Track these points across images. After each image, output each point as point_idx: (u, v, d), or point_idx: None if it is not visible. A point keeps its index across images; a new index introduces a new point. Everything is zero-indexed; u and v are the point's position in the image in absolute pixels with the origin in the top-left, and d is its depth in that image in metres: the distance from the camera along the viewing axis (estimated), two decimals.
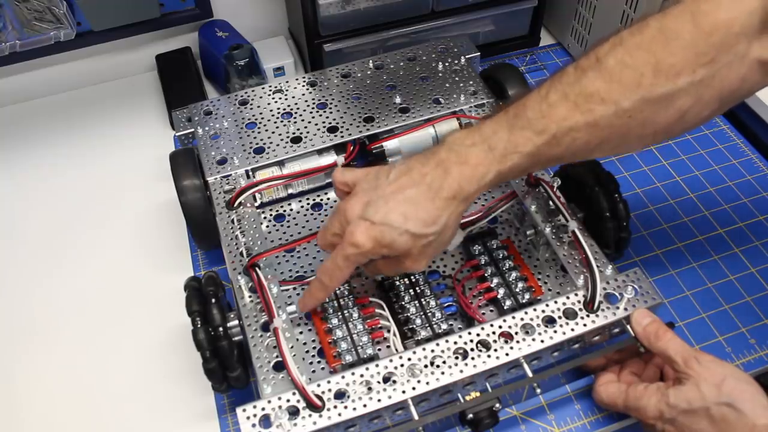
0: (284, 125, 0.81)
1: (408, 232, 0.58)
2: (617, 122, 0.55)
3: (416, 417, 0.57)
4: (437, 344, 0.60)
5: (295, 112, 0.82)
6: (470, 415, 0.58)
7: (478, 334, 0.61)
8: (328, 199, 0.81)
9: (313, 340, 0.67)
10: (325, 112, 0.82)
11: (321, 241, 0.64)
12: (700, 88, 0.53)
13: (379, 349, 0.66)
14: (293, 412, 0.56)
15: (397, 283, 0.69)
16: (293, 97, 0.84)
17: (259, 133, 0.80)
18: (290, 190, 0.79)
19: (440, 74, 0.86)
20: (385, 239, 0.58)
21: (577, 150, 0.57)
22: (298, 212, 0.79)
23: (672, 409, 0.56)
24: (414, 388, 0.57)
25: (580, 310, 0.62)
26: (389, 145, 0.80)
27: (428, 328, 0.65)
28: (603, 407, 0.65)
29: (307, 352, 0.66)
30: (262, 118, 0.82)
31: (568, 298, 0.63)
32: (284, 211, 0.80)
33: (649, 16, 0.55)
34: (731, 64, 0.52)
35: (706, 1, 0.52)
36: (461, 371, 0.58)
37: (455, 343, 0.60)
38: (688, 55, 0.52)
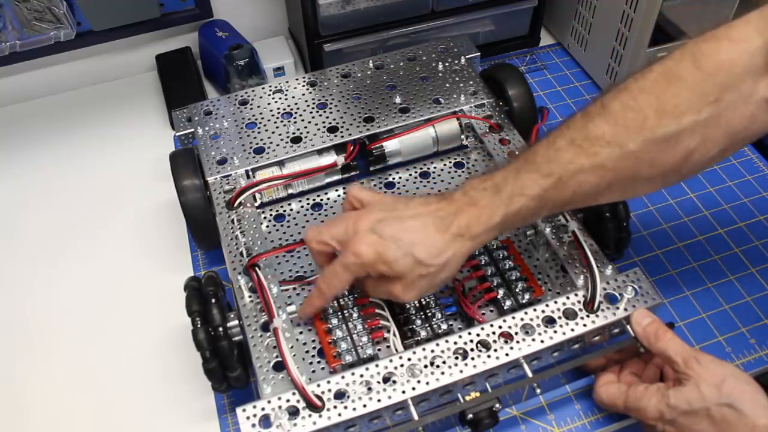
0: (284, 125, 0.81)
1: (412, 255, 0.58)
2: (624, 164, 0.56)
3: (416, 417, 0.57)
4: (437, 344, 0.60)
5: (295, 112, 0.82)
6: (470, 415, 0.58)
7: (478, 335, 0.61)
8: (328, 199, 0.81)
9: (313, 340, 0.67)
10: (325, 112, 0.82)
11: (314, 237, 0.63)
12: (705, 127, 0.54)
13: (379, 349, 0.66)
14: (293, 412, 0.56)
15: None
16: (293, 97, 0.84)
17: (259, 133, 0.80)
18: (290, 190, 0.79)
19: (440, 74, 0.86)
20: (387, 256, 0.58)
21: (585, 194, 0.58)
22: (298, 212, 0.79)
23: (672, 410, 0.56)
24: (414, 388, 0.57)
25: (580, 310, 0.62)
26: (389, 145, 0.80)
27: (428, 328, 0.65)
28: (603, 408, 0.65)
29: (307, 352, 0.66)
30: (262, 118, 0.82)
31: (568, 298, 0.63)
32: (284, 211, 0.80)
33: (652, 63, 0.56)
34: (737, 103, 0.53)
35: (706, 42, 0.53)
36: (461, 371, 0.58)
37: (455, 343, 0.60)
38: (691, 96, 0.53)
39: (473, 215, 0.59)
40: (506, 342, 0.60)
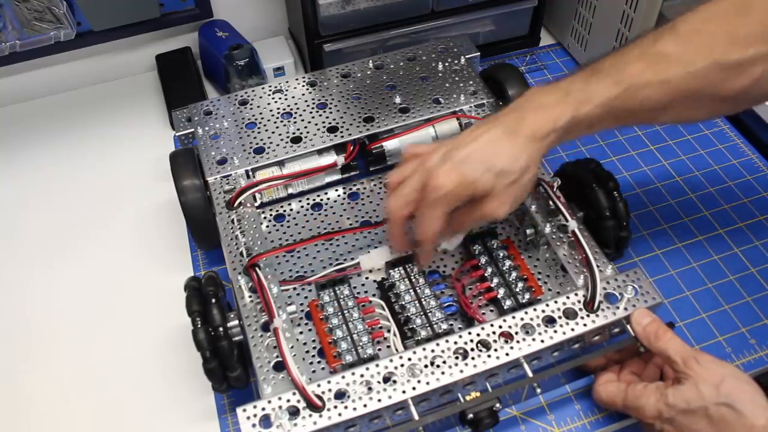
0: (284, 125, 0.81)
1: (491, 168, 0.59)
2: (689, 82, 0.57)
3: (416, 417, 0.57)
4: (437, 344, 0.60)
5: (295, 112, 0.82)
6: (470, 415, 0.58)
7: (478, 334, 0.61)
8: (328, 199, 0.81)
9: (314, 340, 0.67)
10: (325, 112, 0.82)
11: (397, 203, 0.63)
12: None
13: (380, 349, 0.66)
14: (293, 412, 0.56)
15: (397, 283, 0.69)
16: (293, 97, 0.84)
17: (259, 133, 0.80)
18: (290, 190, 0.79)
19: (440, 74, 0.86)
20: (468, 177, 0.59)
21: (649, 108, 0.59)
22: (298, 212, 0.79)
23: (671, 409, 0.56)
24: (414, 388, 0.57)
25: (580, 310, 0.62)
26: (389, 145, 0.80)
27: (428, 328, 0.65)
28: (602, 407, 0.65)
29: (307, 352, 0.66)
30: (262, 118, 0.82)
31: (568, 298, 0.63)
32: (284, 211, 0.80)
33: None
34: None
35: None
36: (461, 371, 0.58)
37: (455, 343, 0.60)
38: (762, 30, 0.55)
39: (541, 117, 0.60)
40: (506, 342, 0.60)
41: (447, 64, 0.87)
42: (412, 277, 0.69)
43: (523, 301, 0.67)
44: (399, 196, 0.63)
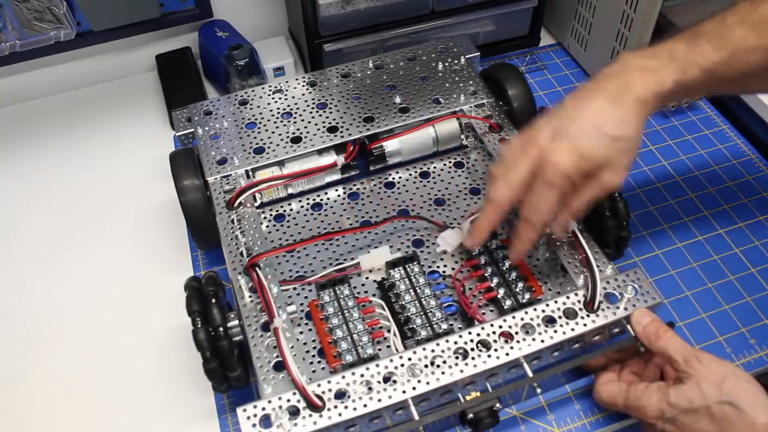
0: (284, 125, 0.81)
1: (606, 136, 0.58)
2: None
3: (416, 417, 0.57)
4: (437, 344, 0.60)
5: (295, 112, 0.82)
6: (470, 415, 0.58)
7: (478, 334, 0.61)
8: (328, 199, 0.81)
9: (314, 340, 0.67)
10: (325, 112, 0.82)
11: (503, 187, 0.61)
12: None
13: (380, 349, 0.66)
14: (293, 412, 0.56)
15: (397, 282, 0.69)
16: (293, 97, 0.84)
17: (259, 133, 0.80)
18: (290, 190, 0.79)
19: (440, 74, 0.86)
20: (584, 150, 0.57)
21: (749, 74, 0.59)
22: (298, 212, 0.79)
23: (673, 408, 0.56)
24: (414, 388, 0.57)
25: (580, 309, 0.62)
26: (389, 145, 0.80)
27: (428, 327, 0.65)
28: (603, 407, 0.65)
29: (308, 352, 0.66)
30: (262, 118, 0.82)
31: (568, 297, 0.63)
32: (284, 211, 0.80)
33: None
34: None
35: None
36: (461, 371, 0.58)
37: (455, 342, 0.60)
38: None
39: (646, 80, 0.59)
40: (506, 342, 0.60)
41: (447, 64, 0.87)
42: (412, 277, 0.69)
43: (523, 301, 0.67)
44: (506, 180, 0.60)
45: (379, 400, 0.57)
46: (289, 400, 0.57)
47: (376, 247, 0.73)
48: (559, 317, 0.62)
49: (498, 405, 0.59)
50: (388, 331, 0.66)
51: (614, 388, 0.62)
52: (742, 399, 0.54)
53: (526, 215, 0.61)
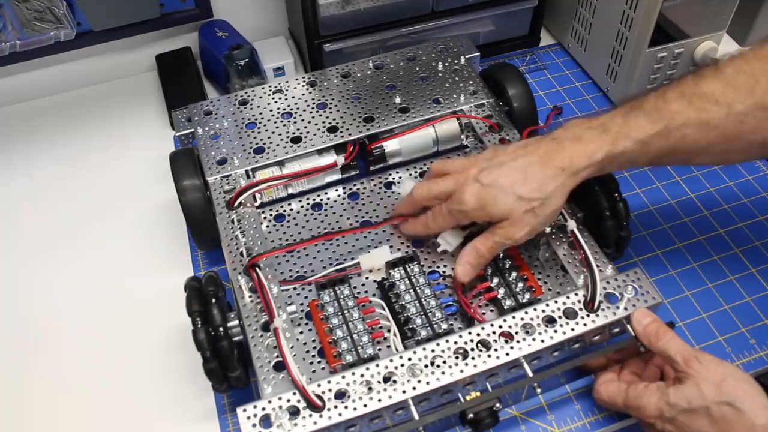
0: (284, 125, 0.81)
1: (514, 194, 0.62)
2: (728, 124, 0.58)
3: (416, 417, 0.57)
4: (437, 344, 0.60)
5: (295, 112, 0.82)
6: (470, 415, 0.58)
7: (478, 334, 0.61)
8: (328, 199, 0.80)
9: (314, 340, 0.67)
10: (325, 112, 0.82)
11: (423, 193, 0.69)
12: None
13: (380, 349, 0.66)
14: (294, 412, 0.56)
15: (397, 282, 0.69)
16: (293, 97, 0.84)
17: (259, 133, 0.80)
18: (290, 190, 0.79)
19: (440, 74, 0.86)
20: (488, 201, 0.63)
21: (685, 148, 0.60)
22: (298, 212, 0.79)
23: (672, 408, 0.56)
24: (414, 388, 0.57)
25: (581, 309, 0.62)
26: (389, 145, 0.80)
27: (428, 327, 0.65)
28: (603, 406, 0.65)
29: (308, 352, 0.66)
30: (262, 118, 0.82)
31: (568, 297, 0.63)
32: (284, 211, 0.80)
33: None
34: None
35: None
36: (461, 371, 0.58)
37: (455, 342, 0.60)
38: None
39: (577, 150, 0.61)
40: (506, 342, 0.60)
41: (447, 64, 0.87)
42: (412, 277, 0.69)
43: (523, 300, 0.67)
44: (429, 189, 0.68)
45: (379, 400, 0.57)
46: (289, 400, 0.57)
47: (376, 247, 0.73)
48: (559, 317, 0.62)
49: (498, 405, 0.59)
50: (388, 331, 0.66)
51: (614, 388, 0.62)
52: (741, 400, 0.54)
53: (425, 219, 0.70)
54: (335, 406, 0.57)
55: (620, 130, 0.61)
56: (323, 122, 0.81)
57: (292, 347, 0.60)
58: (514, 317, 0.62)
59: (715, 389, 0.55)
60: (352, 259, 0.72)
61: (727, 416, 0.54)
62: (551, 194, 0.62)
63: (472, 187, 0.64)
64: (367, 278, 0.72)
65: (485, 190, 0.63)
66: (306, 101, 0.84)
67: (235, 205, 0.73)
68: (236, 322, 0.63)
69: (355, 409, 0.56)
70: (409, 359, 0.59)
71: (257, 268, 0.66)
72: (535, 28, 1.04)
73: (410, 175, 0.82)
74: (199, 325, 0.59)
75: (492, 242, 0.65)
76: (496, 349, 0.60)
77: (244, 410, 0.57)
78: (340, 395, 0.57)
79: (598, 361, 0.65)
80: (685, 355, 0.58)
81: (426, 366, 0.59)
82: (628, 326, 0.62)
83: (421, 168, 0.83)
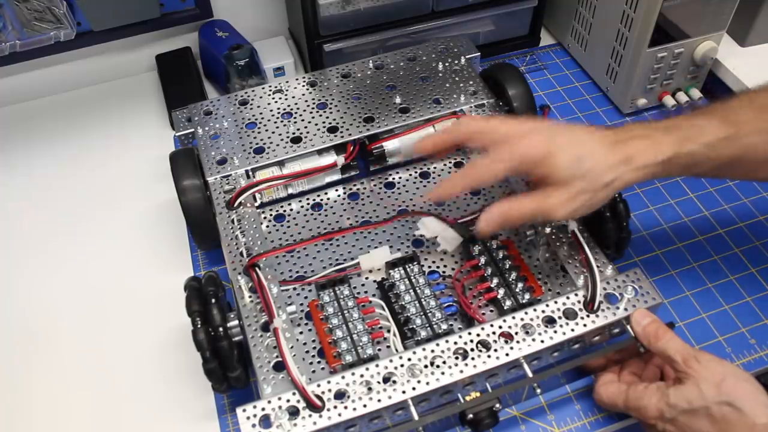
0: (284, 125, 0.81)
1: (580, 163, 0.58)
2: None
3: (416, 417, 0.57)
4: (437, 344, 0.60)
5: (295, 113, 0.82)
6: (470, 415, 0.58)
7: (478, 335, 0.61)
8: (328, 199, 0.80)
9: (313, 340, 0.67)
10: (325, 112, 0.82)
11: (475, 124, 0.63)
12: None
13: (379, 350, 0.66)
14: (293, 413, 0.56)
15: (397, 283, 0.69)
16: (293, 97, 0.84)
17: (259, 133, 0.80)
18: (290, 190, 0.79)
19: (440, 74, 0.86)
20: (556, 158, 0.58)
21: (754, 157, 0.60)
22: (298, 212, 0.79)
23: (672, 409, 0.56)
24: (414, 389, 0.57)
25: (580, 310, 0.62)
26: (389, 145, 0.80)
27: (428, 328, 0.65)
28: (603, 407, 0.65)
29: (307, 352, 0.66)
30: (262, 118, 0.82)
31: (568, 298, 0.63)
32: (284, 211, 0.80)
33: None
34: None
35: None
36: (461, 371, 0.58)
37: (455, 343, 0.60)
38: None
39: (644, 145, 0.59)
40: (506, 342, 0.60)
41: (447, 64, 0.87)
42: (412, 278, 0.69)
43: (523, 301, 0.67)
44: (483, 122, 0.63)
45: (379, 401, 0.57)
46: (288, 401, 0.57)
47: (376, 248, 0.73)
48: (559, 318, 0.62)
49: (498, 405, 0.59)
50: (388, 331, 0.66)
51: (614, 389, 0.62)
52: (741, 399, 0.54)
53: (470, 164, 0.63)
54: (335, 407, 0.57)
55: (687, 133, 0.59)
56: (323, 122, 0.81)
57: (291, 347, 0.60)
58: (513, 318, 0.62)
59: (715, 389, 0.55)
60: (352, 259, 0.72)
61: (727, 416, 0.54)
62: (611, 182, 0.59)
63: (542, 135, 0.59)
64: (367, 278, 0.72)
65: (557, 145, 0.58)
66: (306, 101, 0.84)
67: (235, 205, 0.73)
68: (236, 322, 0.63)
69: (354, 409, 0.56)
70: (409, 359, 0.59)
71: (257, 268, 0.66)
72: (535, 28, 1.04)
73: (410, 174, 0.82)
74: (199, 325, 0.59)
75: (529, 209, 0.60)
76: (495, 350, 0.60)
77: (244, 410, 0.57)
78: (340, 395, 0.57)
79: (597, 362, 0.65)
80: (685, 355, 0.57)
81: (426, 366, 0.59)
82: (628, 327, 0.62)
83: (421, 168, 0.83)
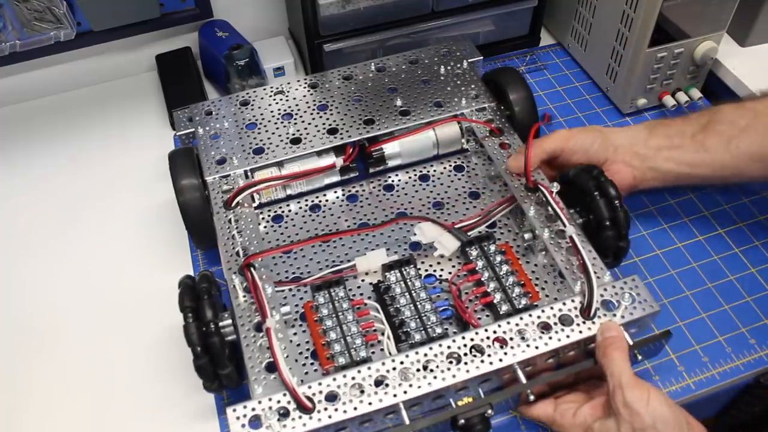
0: (284, 126, 0.81)
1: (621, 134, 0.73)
2: None
3: (407, 421, 0.57)
4: (431, 348, 0.60)
5: (296, 114, 0.82)
6: (461, 421, 0.58)
7: (472, 339, 0.60)
8: (327, 200, 0.80)
9: (307, 342, 0.67)
10: (325, 113, 0.82)
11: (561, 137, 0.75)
12: None
13: (373, 352, 0.66)
14: (284, 414, 0.56)
15: (393, 285, 0.69)
16: (294, 99, 0.84)
17: (259, 133, 0.80)
18: (289, 191, 0.79)
19: (442, 77, 0.85)
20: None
21: None
22: (296, 214, 0.79)
23: None
24: (406, 392, 0.57)
25: (576, 316, 0.62)
26: (389, 147, 0.80)
27: (422, 331, 0.65)
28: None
29: (301, 353, 0.66)
30: (263, 119, 0.82)
31: (564, 304, 0.62)
32: (282, 212, 0.79)
33: None
34: None
35: None
36: (454, 376, 0.58)
37: (449, 347, 0.60)
38: None
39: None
40: (501, 347, 0.60)
41: (449, 67, 0.86)
42: (408, 281, 0.69)
43: (520, 306, 0.66)
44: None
45: (370, 404, 0.56)
46: (279, 402, 0.57)
47: (372, 250, 0.73)
48: (555, 324, 0.61)
49: (490, 411, 0.58)
50: (382, 334, 0.66)
51: (548, 410, 0.61)
52: None
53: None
54: (325, 408, 0.56)
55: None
56: (323, 124, 0.81)
57: (284, 348, 0.60)
58: (509, 323, 0.61)
59: None
60: (349, 261, 0.72)
61: None
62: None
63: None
64: (362, 280, 0.72)
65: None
66: (307, 103, 0.83)
67: (233, 204, 0.73)
68: (229, 321, 0.63)
69: (345, 411, 0.56)
70: (402, 363, 0.59)
71: (252, 268, 0.66)
72: (535, 28, 1.04)
73: (409, 177, 0.82)
74: (191, 321, 0.59)
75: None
76: (489, 355, 0.59)
77: (234, 410, 0.57)
78: (331, 397, 0.57)
79: (567, 380, 0.64)
80: (616, 384, 0.56)
81: (418, 370, 0.58)
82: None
83: (421, 171, 0.82)
